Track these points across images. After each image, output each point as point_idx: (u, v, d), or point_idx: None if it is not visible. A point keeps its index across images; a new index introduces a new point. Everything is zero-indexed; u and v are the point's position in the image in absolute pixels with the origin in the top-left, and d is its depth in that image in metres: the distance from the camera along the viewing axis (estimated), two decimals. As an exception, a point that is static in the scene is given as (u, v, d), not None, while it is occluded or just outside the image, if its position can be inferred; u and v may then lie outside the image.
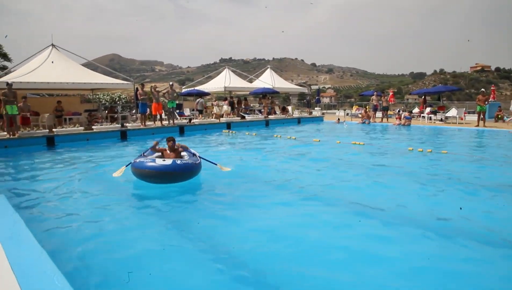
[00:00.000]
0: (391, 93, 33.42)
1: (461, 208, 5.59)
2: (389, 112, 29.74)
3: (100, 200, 6.41)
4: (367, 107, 25.69)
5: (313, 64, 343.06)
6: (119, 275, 3.63)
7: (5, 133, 13.10)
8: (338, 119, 23.68)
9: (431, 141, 14.59)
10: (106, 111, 21.44)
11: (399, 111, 23.62)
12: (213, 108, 27.02)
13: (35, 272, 3.15)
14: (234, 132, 17.56)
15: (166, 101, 18.29)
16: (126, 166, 7.56)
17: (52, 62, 17.18)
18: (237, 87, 25.99)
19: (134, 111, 22.73)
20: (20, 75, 16.12)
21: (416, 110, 27.88)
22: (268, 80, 29.85)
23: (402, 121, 21.16)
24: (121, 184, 7.48)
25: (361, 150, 11.93)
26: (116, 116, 20.37)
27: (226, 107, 22.63)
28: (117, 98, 31.84)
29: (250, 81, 31.50)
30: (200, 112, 22.01)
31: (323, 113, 30.69)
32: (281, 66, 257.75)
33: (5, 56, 33.54)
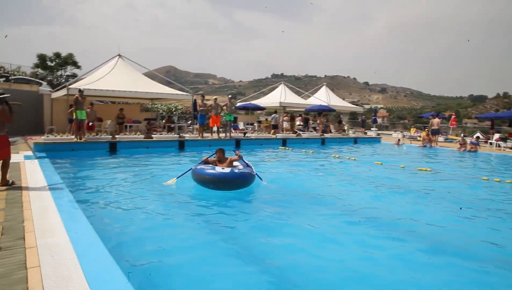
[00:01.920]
0: (453, 116, 31.51)
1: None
2: (451, 136, 28.09)
3: (154, 205, 6.78)
4: (427, 129, 24.19)
5: (366, 83, 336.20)
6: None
7: (73, 136, 13.68)
8: (398, 140, 22.47)
9: (504, 169, 13.28)
10: (164, 121, 22.01)
11: (462, 135, 22.06)
12: (266, 122, 26.96)
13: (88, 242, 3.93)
14: (290, 149, 17.17)
15: (223, 114, 18.34)
16: (177, 177, 8.15)
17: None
18: (292, 103, 25.66)
19: (190, 122, 23.14)
20: (88, 83, 16.96)
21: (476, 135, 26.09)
22: (323, 97, 29.28)
23: (468, 147, 19.69)
24: (173, 192, 7.78)
25: (428, 176, 11.04)
26: (172, 126, 20.81)
27: (298, 122, 22.63)
28: (174, 109, 32.75)
29: (305, 97, 31.08)
30: (274, 127, 21.89)
31: (378, 134, 29.50)
32: (333, 84, 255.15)
33: (75, 64, 35.94)
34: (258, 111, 31.62)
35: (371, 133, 29.85)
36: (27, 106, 20.03)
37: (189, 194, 7.67)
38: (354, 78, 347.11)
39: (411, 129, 32.37)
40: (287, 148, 17.47)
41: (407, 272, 4.32)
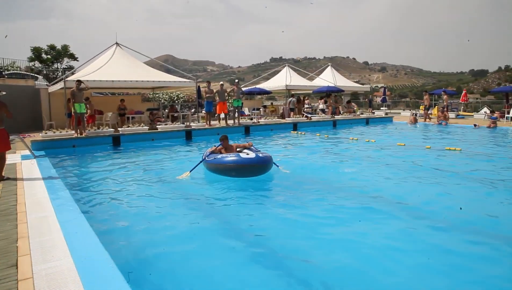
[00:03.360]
0: (464, 92, 30.40)
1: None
2: (463, 113, 27.13)
3: (163, 202, 6.16)
4: (443, 107, 23.15)
5: (365, 63, 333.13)
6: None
7: (73, 132, 12.80)
8: (414, 118, 21.42)
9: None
10: (167, 110, 21.10)
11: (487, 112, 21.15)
12: (272, 107, 26.00)
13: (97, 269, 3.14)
14: (303, 133, 16.23)
15: (231, 100, 17.42)
16: (191, 171, 7.78)
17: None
18: (298, 85, 24.62)
19: (194, 110, 22.23)
20: (86, 74, 15.98)
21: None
22: (329, 78, 28.21)
23: (487, 123, 18.77)
24: (185, 186, 7.29)
25: (461, 157, 10.15)
26: (176, 115, 19.92)
27: (322, 106, 22.04)
28: (176, 97, 31.78)
29: (311, 79, 30.00)
30: (292, 110, 21.57)
31: (386, 113, 28.48)
32: (332, 64, 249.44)
33: (72, 56, 34.84)
34: (258, 96, 30.56)
35: (380, 112, 28.85)
36: (24, 102, 19.13)
37: (202, 189, 7.11)
38: (354, 58, 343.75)
39: (421, 107, 31.36)
40: (299, 132, 16.55)
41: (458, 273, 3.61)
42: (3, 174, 6.78)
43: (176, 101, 30.95)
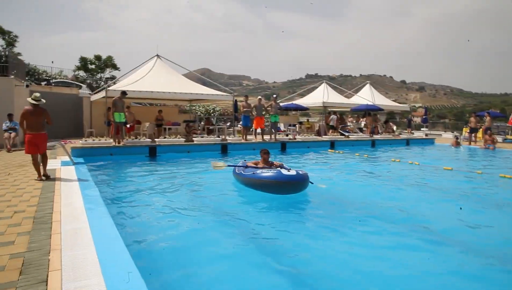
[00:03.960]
0: (512, 115, 28.66)
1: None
2: (510, 137, 25.46)
3: (197, 218, 5.96)
4: (486, 128, 21.63)
5: (403, 82, 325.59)
6: None
7: (112, 140, 12.99)
8: (457, 141, 20.29)
9: None
10: (203, 123, 21.18)
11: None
12: (308, 123, 25.58)
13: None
14: (342, 152, 15.70)
15: (268, 115, 17.19)
16: (228, 165, 8.34)
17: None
18: (336, 102, 24.09)
19: (229, 124, 22.23)
20: (127, 84, 16.32)
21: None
22: (367, 96, 27.46)
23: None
24: (218, 201, 7.20)
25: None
26: (211, 128, 19.94)
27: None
28: (212, 110, 32.06)
29: (348, 96, 29.38)
30: (333, 128, 21.24)
31: (426, 135, 27.29)
32: (369, 83, 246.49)
33: (114, 66, 36.12)
34: (293, 112, 30.20)
35: (419, 133, 27.72)
36: (67, 109, 19.82)
37: (236, 205, 7.02)
38: (391, 77, 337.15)
39: (465, 128, 29.90)
40: (337, 151, 16.00)
41: None
42: (46, 172, 7.67)
43: (212, 114, 31.21)
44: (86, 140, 12.71)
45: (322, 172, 10.68)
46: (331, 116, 21.71)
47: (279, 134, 18.97)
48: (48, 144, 9.98)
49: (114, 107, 12.63)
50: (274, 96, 16.82)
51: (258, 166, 7.90)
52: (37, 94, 7.47)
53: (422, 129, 29.42)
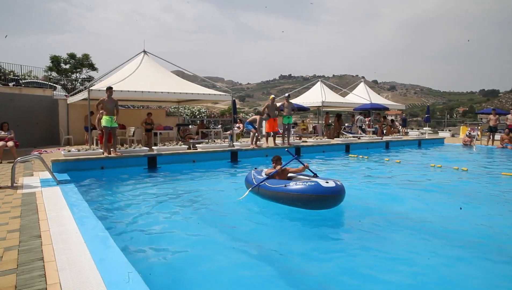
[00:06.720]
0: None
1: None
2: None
3: (210, 243, 4.78)
4: (505, 129, 20.27)
5: (375, 81, 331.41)
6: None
7: (102, 151, 10.74)
8: (470, 141, 19.02)
9: None
10: (196, 126, 19.10)
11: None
12: (303, 124, 23.91)
13: None
14: (366, 157, 13.75)
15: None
16: (250, 190, 6.91)
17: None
18: (335, 102, 22.54)
19: (219, 126, 20.27)
20: (112, 84, 14.03)
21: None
22: (363, 94, 26.09)
23: None
24: (234, 219, 5.96)
25: None
26: (205, 131, 17.92)
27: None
28: (197, 112, 29.86)
29: (343, 95, 27.98)
30: (361, 129, 20.21)
31: (422, 133, 26.13)
32: (342, 83, 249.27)
33: (91, 66, 33.16)
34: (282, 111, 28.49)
35: (413, 133, 26.56)
36: (40, 113, 17.29)
37: (254, 223, 5.82)
38: (363, 77, 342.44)
39: (462, 127, 29.04)
40: (360, 156, 13.90)
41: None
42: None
43: (198, 116, 29.04)
44: (69, 151, 10.37)
45: (354, 180, 8.99)
46: (357, 117, 20.55)
47: (279, 136, 17.00)
48: (24, 157, 7.77)
49: (104, 109, 10.42)
50: (287, 95, 14.78)
51: (291, 175, 6.98)
52: None
53: (425, 128, 28.16)
